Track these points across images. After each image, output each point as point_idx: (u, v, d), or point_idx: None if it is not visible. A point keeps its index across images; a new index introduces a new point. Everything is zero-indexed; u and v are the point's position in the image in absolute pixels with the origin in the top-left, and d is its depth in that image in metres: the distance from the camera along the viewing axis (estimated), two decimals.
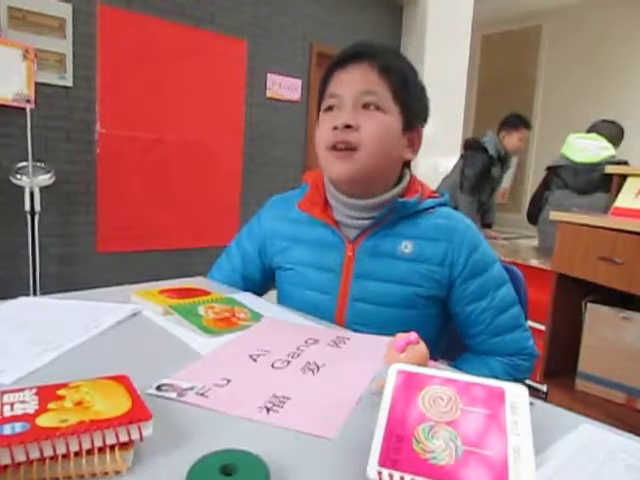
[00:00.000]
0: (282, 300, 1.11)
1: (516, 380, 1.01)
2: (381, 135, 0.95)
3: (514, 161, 3.79)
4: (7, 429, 0.43)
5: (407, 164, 1.08)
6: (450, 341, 1.14)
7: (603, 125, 2.94)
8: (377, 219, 0.99)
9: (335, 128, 0.94)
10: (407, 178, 1.05)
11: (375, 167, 0.97)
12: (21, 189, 2.83)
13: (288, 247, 1.08)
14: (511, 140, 3.37)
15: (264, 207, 1.18)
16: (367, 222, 1.00)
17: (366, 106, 0.95)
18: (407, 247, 0.98)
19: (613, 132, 2.88)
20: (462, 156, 3.54)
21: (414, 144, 1.04)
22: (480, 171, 3.34)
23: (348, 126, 0.93)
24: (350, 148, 0.94)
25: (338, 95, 0.97)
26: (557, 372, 1.94)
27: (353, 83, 0.96)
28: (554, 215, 1.92)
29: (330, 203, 1.05)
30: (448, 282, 0.99)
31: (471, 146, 3.46)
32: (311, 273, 1.04)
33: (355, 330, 0.96)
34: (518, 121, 3.38)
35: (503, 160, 3.41)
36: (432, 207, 1.03)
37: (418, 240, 0.99)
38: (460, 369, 0.97)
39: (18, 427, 0.44)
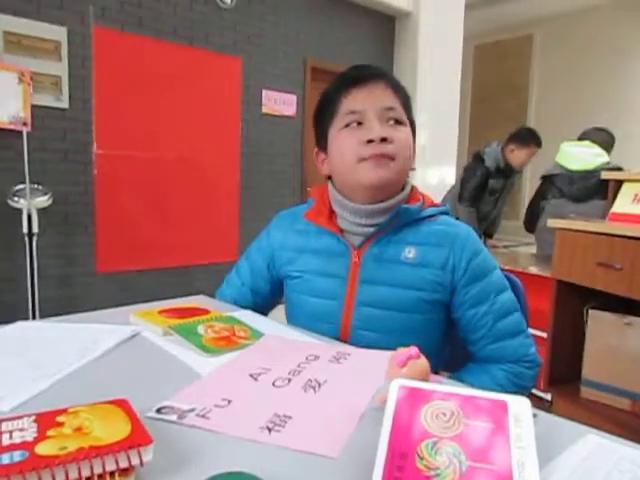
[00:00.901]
0: (290, 308, 1.14)
1: (520, 388, 1.02)
2: (408, 147, 1.03)
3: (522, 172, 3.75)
4: (6, 458, 0.43)
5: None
6: (453, 351, 1.14)
7: (594, 132, 2.95)
8: (381, 226, 1.02)
9: (370, 141, 0.98)
10: (409, 186, 1.09)
11: (403, 175, 1.05)
12: (19, 211, 2.83)
13: (296, 257, 1.11)
14: (519, 155, 3.29)
15: (272, 221, 1.21)
16: (372, 229, 1.03)
17: (392, 121, 1.01)
18: (410, 253, 1.01)
19: (605, 139, 2.88)
20: (464, 168, 3.55)
21: (413, 155, 1.09)
22: (478, 183, 3.34)
23: (384, 139, 0.97)
24: (387, 157, 0.99)
25: (359, 111, 1.00)
26: (561, 380, 1.92)
27: (375, 99, 1.00)
28: (552, 222, 1.92)
29: (335, 212, 1.08)
30: (450, 286, 1.01)
31: (473, 157, 3.47)
32: (318, 280, 1.07)
33: (360, 335, 1.00)
34: (530, 138, 3.30)
35: (504, 172, 3.36)
36: (434, 215, 1.07)
37: (421, 246, 1.02)
38: (463, 380, 0.97)
39: (17, 456, 0.43)
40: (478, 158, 3.40)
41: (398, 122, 1.01)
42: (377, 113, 0.99)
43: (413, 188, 1.10)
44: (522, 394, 1.02)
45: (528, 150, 3.28)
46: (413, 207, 1.03)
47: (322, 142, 1.09)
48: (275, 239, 1.16)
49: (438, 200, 1.15)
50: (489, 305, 1.01)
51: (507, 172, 3.37)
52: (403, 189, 1.07)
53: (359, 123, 1.00)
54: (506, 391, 0.98)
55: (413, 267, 1.01)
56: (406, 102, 1.05)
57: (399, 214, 1.01)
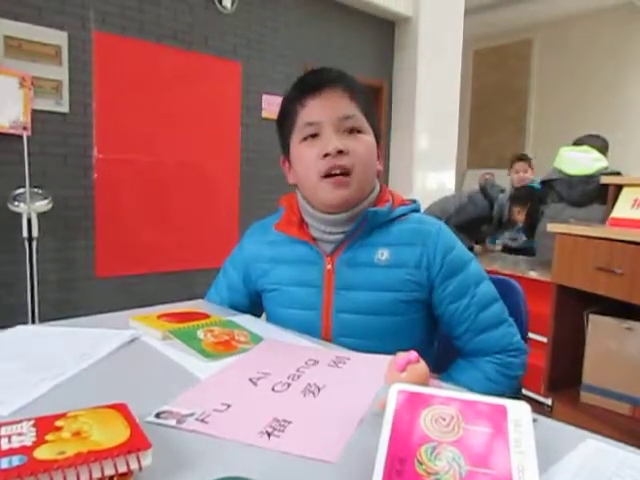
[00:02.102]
0: (270, 321, 1.13)
1: (511, 378, 1.02)
2: (368, 155, 1.01)
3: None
4: (4, 463, 0.43)
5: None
6: (441, 351, 1.13)
7: (589, 139, 2.96)
8: (350, 231, 1.01)
9: (326, 155, 0.96)
10: (377, 189, 1.08)
11: (365, 186, 1.03)
12: (19, 216, 2.83)
13: (270, 269, 1.10)
14: (513, 175, 3.59)
15: (244, 235, 1.20)
16: (342, 235, 1.02)
17: (349, 130, 0.99)
18: (383, 255, 1.01)
19: (599, 145, 2.89)
20: (469, 197, 3.48)
21: (379, 156, 1.09)
22: (471, 221, 3.33)
23: (340, 151, 0.96)
24: (344, 173, 0.98)
25: (315, 123, 0.99)
26: (561, 385, 1.92)
27: (331, 109, 0.98)
28: (551, 227, 1.92)
29: (306, 221, 1.07)
30: (427, 284, 1.01)
31: (482, 193, 3.44)
32: (294, 291, 1.06)
33: (342, 343, 0.98)
34: (531, 198, 3.31)
35: (504, 223, 3.47)
36: (404, 214, 1.06)
37: (393, 247, 1.01)
38: (453, 378, 0.97)
39: (15, 460, 0.43)
40: (488, 200, 3.40)
41: (356, 131, 1.00)
42: (333, 123, 0.98)
43: (382, 188, 1.09)
44: (513, 384, 1.02)
45: (515, 166, 3.56)
46: (381, 210, 1.02)
47: (285, 151, 1.09)
48: (248, 252, 1.15)
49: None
50: (470, 298, 1.00)
51: (507, 222, 3.46)
52: (371, 191, 1.06)
53: (317, 135, 0.99)
54: (498, 383, 0.99)
55: (387, 269, 1.00)
56: (365, 107, 1.03)
57: (367, 218, 1.01)
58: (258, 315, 1.19)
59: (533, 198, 3.28)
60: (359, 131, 1.00)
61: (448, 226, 1.10)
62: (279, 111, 1.08)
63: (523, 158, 3.87)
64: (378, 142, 1.07)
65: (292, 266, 1.07)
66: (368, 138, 1.02)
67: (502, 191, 3.49)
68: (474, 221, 3.31)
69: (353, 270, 1.01)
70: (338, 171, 0.97)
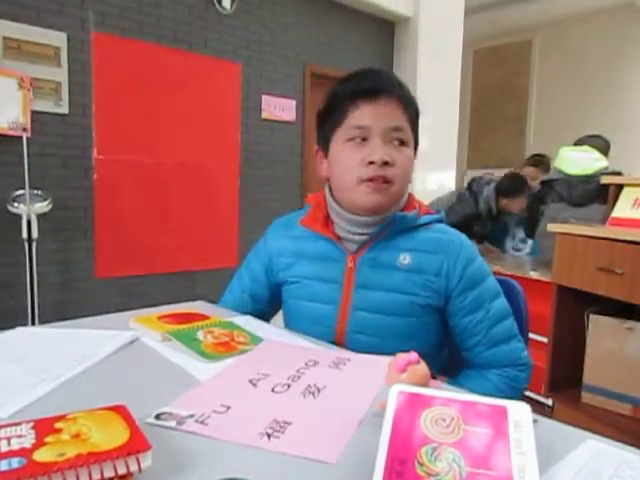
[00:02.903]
0: (288, 312, 1.16)
1: (517, 391, 1.04)
2: (409, 169, 1.04)
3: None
4: (4, 465, 0.43)
5: None
6: (451, 355, 1.14)
7: (589, 139, 2.95)
8: (376, 231, 1.03)
9: (371, 163, 0.98)
10: (406, 195, 1.10)
11: (399, 196, 1.06)
12: (18, 217, 2.83)
13: (292, 262, 1.12)
14: (513, 205, 3.23)
15: (269, 230, 1.22)
16: (367, 236, 1.04)
17: (396, 141, 1.01)
18: (405, 259, 1.02)
19: (600, 145, 2.89)
20: (458, 195, 3.49)
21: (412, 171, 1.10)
22: (461, 221, 3.24)
23: (385, 162, 0.98)
24: (386, 182, 1.00)
25: (365, 127, 0.99)
26: (562, 385, 1.92)
27: (384, 117, 0.99)
28: (551, 227, 1.92)
29: (332, 219, 1.09)
30: (445, 292, 1.02)
31: (469, 190, 3.40)
32: (314, 285, 1.08)
33: (356, 339, 1.01)
34: (518, 188, 3.22)
35: (495, 216, 3.34)
36: (429, 222, 1.08)
37: (416, 252, 1.03)
38: (462, 386, 0.98)
39: (15, 463, 0.43)
40: (473, 196, 3.34)
41: (402, 143, 1.01)
42: (383, 132, 0.99)
43: (410, 196, 1.11)
44: (518, 396, 1.03)
45: (520, 199, 3.20)
46: (409, 215, 1.04)
47: (324, 144, 1.09)
48: (272, 246, 1.17)
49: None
50: (484, 312, 1.02)
51: (499, 216, 3.35)
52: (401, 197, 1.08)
53: (363, 139, 1.00)
54: (504, 395, 1.00)
55: (408, 273, 1.02)
56: (414, 120, 1.05)
57: (395, 221, 1.03)
58: (277, 308, 1.23)
59: (518, 187, 3.20)
60: (405, 143, 1.02)
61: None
62: (326, 102, 1.07)
63: (534, 162, 3.59)
64: (415, 154, 1.09)
65: (314, 261, 1.09)
66: (410, 151, 1.04)
67: (488, 183, 3.34)
68: (464, 220, 3.25)
69: (374, 270, 1.03)
70: (381, 180, 0.99)
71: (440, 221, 1.11)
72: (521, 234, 3.46)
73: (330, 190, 1.10)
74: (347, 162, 1.01)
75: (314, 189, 1.16)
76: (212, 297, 1.28)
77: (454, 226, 1.12)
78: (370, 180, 0.99)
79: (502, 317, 1.04)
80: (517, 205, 3.22)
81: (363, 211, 1.03)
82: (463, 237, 1.08)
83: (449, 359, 1.14)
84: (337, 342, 1.03)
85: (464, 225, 3.25)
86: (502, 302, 1.05)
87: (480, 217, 3.34)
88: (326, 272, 1.07)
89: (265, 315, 1.19)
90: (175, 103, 3.68)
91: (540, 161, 3.65)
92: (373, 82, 1.02)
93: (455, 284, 1.02)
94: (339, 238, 1.07)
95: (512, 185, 3.23)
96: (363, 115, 0.99)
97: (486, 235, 3.62)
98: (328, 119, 1.06)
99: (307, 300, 1.08)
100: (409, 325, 1.02)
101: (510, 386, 1.02)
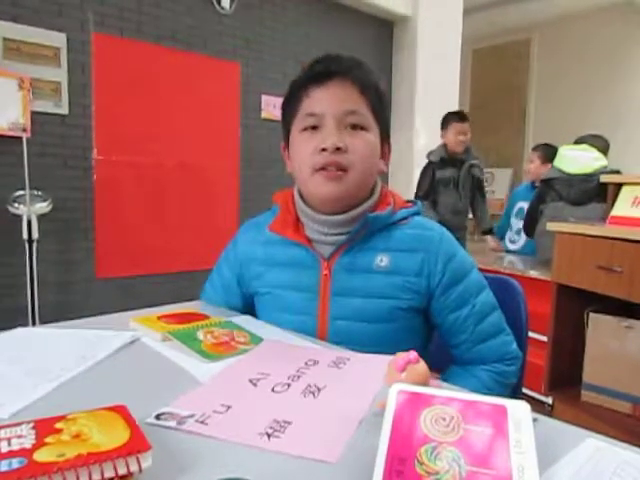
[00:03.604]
0: None
1: (505, 387, 1.01)
2: (368, 154, 0.97)
3: (482, 159, 3.79)
4: (4, 465, 0.43)
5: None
6: (434, 354, 1.13)
7: (590, 139, 2.97)
8: (350, 235, 0.98)
9: (323, 150, 0.94)
10: (378, 190, 1.05)
11: (362, 185, 0.99)
12: (19, 218, 2.83)
13: (264, 271, 1.06)
14: (447, 138, 3.45)
15: (238, 232, 1.17)
16: (341, 238, 0.99)
17: (352, 126, 0.96)
18: (383, 261, 0.98)
19: (600, 145, 2.89)
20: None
21: (385, 156, 1.06)
22: (427, 179, 3.47)
23: (338, 148, 0.93)
24: (341, 169, 0.95)
25: (317, 114, 0.96)
26: (562, 384, 1.92)
27: (336, 102, 0.95)
28: (551, 226, 1.92)
29: (302, 221, 1.04)
30: (427, 292, 0.98)
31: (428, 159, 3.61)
32: (288, 295, 1.02)
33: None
34: (447, 118, 3.49)
35: (451, 162, 3.47)
36: (405, 218, 1.03)
37: (393, 252, 0.98)
38: (450, 384, 0.97)
39: (15, 463, 0.43)
40: (427, 159, 3.55)
41: (360, 127, 0.96)
42: (336, 117, 0.94)
43: (383, 191, 1.06)
44: (507, 391, 1.01)
45: (450, 129, 3.42)
46: (382, 215, 0.99)
47: (286, 138, 1.06)
48: (242, 252, 1.11)
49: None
50: (470, 308, 0.99)
51: (454, 162, 3.47)
52: (372, 193, 1.03)
53: (316, 127, 0.96)
54: (493, 391, 0.99)
55: (386, 275, 0.97)
56: (375, 102, 0.99)
57: (367, 223, 0.98)
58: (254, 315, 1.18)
59: (446, 117, 3.48)
60: (362, 128, 0.96)
61: (419, 200, 1.09)
62: (285, 95, 1.04)
63: (535, 148, 3.70)
64: (386, 141, 1.04)
65: (287, 269, 1.03)
66: (370, 136, 0.98)
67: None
68: (428, 189, 3.47)
69: (351, 275, 0.98)
70: (333, 167, 0.94)
71: (417, 213, 1.05)
72: (519, 225, 3.48)
73: (299, 190, 1.06)
74: (302, 152, 0.98)
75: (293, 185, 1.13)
76: None
77: (423, 191, 1.09)
78: (323, 168, 0.94)
79: (488, 312, 1.00)
80: (450, 137, 3.42)
81: (324, 204, 0.99)
82: (443, 230, 1.03)
83: (436, 354, 1.13)
84: None
85: (429, 182, 3.46)
86: (487, 296, 1.01)
87: (437, 167, 3.46)
88: (300, 280, 1.01)
89: None
90: (175, 103, 3.68)
91: (536, 148, 3.73)
92: (326, 66, 0.97)
93: (437, 282, 0.97)
94: (310, 242, 1.02)
95: (443, 117, 3.53)
96: (314, 101, 0.96)
97: (491, 227, 3.66)
98: (286, 111, 1.03)
99: (281, 312, 1.03)
100: (391, 331, 0.97)
101: (498, 382, 0.99)
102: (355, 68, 0.98)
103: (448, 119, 3.47)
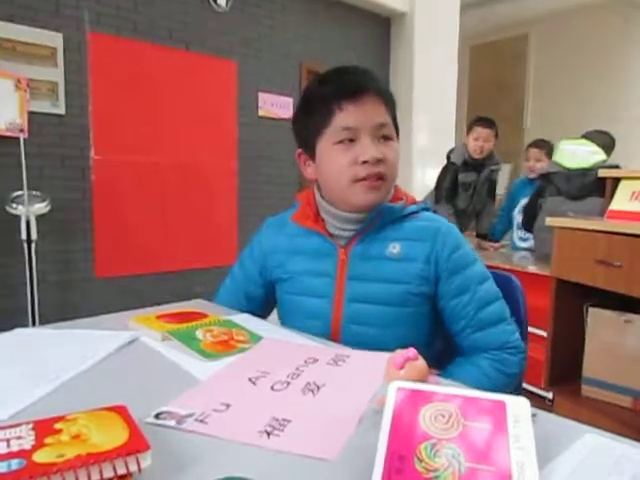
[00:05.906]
0: (282, 309, 1.18)
1: (507, 375, 1.03)
2: (397, 162, 1.07)
3: (502, 166, 3.74)
4: (3, 466, 0.43)
5: None
6: (445, 348, 1.14)
7: (597, 135, 2.97)
8: (365, 224, 1.06)
9: (365, 162, 1.00)
10: (392, 188, 1.12)
11: (391, 189, 1.10)
12: (17, 218, 2.83)
13: (286, 259, 1.14)
14: (468, 142, 3.41)
15: (262, 228, 1.24)
16: (357, 226, 1.07)
17: (383, 138, 1.03)
18: (395, 248, 1.05)
19: (605, 142, 2.89)
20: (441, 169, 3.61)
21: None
22: (449, 180, 3.40)
23: (379, 160, 1.00)
24: (380, 178, 1.02)
25: (353, 128, 1.01)
26: (562, 379, 1.92)
27: (369, 116, 1.01)
28: (550, 221, 1.92)
29: (322, 217, 1.11)
30: (434, 278, 1.04)
31: (448, 159, 3.55)
32: (308, 280, 1.10)
33: (352, 330, 1.04)
34: (471, 122, 3.47)
35: (472, 165, 3.41)
36: (416, 212, 1.10)
37: (404, 241, 1.05)
38: (451, 374, 0.98)
39: (14, 464, 0.43)
40: (447, 159, 3.50)
41: (389, 138, 1.04)
42: (370, 131, 1.01)
43: (396, 188, 1.13)
44: (511, 382, 1.03)
45: (472, 134, 3.37)
46: (396, 206, 1.06)
47: (308, 147, 1.09)
48: (266, 245, 1.18)
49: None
50: (471, 295, 1.03)
51: (475, 165, 3.41)
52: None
53: (352, 139, 1.01)
54: (494, 379, 1.00)
55: (398, 262, 1.04)
56: (394, 112, 1.08)
57: (382, 213, 1.05)
58: (272, 307, 1.24)
59: (474, 119, 3.38)
60: (390, 138, 1.04)
61: (440, 204, 1.15)
62: (306, 105, 1.08)
63: (538, 144, 3.69)
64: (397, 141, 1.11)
65: (307, 257, 1.11)
66: (396, 144, 1.07)
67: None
68: (449, 190, 3.41)
69: (365, 262, 1.05)
70: (374, 177, 1.01)
71: (427, 209, 1.13)
72: None
73: (319, 190, 1.13)
74: (338, 164, 1.03)
75: (309, 187, 1.18)
76: (211, 295, 1.28)
77: (446, 193, 1.14)
78: (364, 179, 1.01)
79: (490, 300, 1.04)
80: (470, 142, 3.36)
81: (359, 209, 1.05)
82: (450, 225, 1.10)
83: (443, 352, 1.14)
84: (333, 334, 1.05)
85: (452, 185, 3.39)
86: (490, 286, 1.06)
87: (459, 170, 3.40)
88: (319, 266, 1.09)
89: (259, 314, 1.19)
90: (172, 102, 3.67)
91: (543, 142, 3.72)
92: (354, 82, 1.03)
93: (442, 268, 1.03)
94: (330, 234, 1.09)
95: (472, 120, 3.48)
96: (349, 116, 1.01)
97: (487, 233, 3.64)
98: (310, 122, 1.06)
99: (301, 295, 1.11)
100: (403, 314, 1.03)
101: (498, 369, 1.01)
102: (377, 82, 1.05)
103: (472, 122, 3.44)
